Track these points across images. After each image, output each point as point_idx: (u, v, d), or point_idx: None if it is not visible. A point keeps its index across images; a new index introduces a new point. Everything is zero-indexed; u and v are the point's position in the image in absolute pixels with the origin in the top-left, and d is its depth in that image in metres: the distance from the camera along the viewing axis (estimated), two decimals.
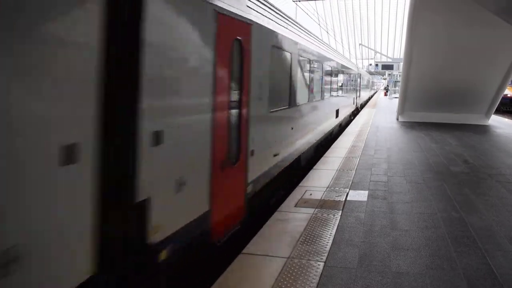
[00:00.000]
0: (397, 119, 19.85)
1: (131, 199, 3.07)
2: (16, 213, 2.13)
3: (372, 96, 53.43)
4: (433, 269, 4.14)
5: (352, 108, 21.78)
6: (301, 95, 8.44)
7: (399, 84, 23.58)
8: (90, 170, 2.60)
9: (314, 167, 8.92)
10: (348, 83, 19.29)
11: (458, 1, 13.39)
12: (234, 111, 4.87)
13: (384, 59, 62.48)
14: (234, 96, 4.87)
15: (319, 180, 7.77)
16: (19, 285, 2.13)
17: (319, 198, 6.58)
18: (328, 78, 12.18)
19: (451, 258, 4.42)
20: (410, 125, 17.53)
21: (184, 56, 3.75)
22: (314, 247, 4.64)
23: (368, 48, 75.75)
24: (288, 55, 7.26)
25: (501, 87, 17.91)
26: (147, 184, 3.18)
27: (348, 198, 6.58)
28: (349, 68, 19.40)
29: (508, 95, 30.16)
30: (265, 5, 6.04)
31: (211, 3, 4.14)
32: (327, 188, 7.21)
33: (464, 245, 4.79)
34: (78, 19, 2.46)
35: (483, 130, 16.61)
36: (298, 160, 8.70)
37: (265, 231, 5.10)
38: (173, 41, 3.53)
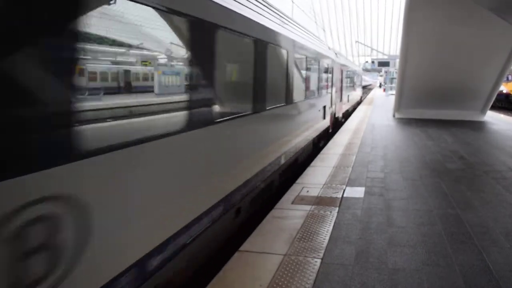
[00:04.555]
0: (394, 116, 19.90)
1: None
2: None
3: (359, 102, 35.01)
4: (429, 266, 4.16)
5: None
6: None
7: (395, 81, 23.61)
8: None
9: (311, 164, 8.93)
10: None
11: None
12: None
13: (380, 56, 62.50)
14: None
15: (316, 177, 7.78)
16: None
17: (316, 195, 6.59)
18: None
19: (447, 254, 4.44)
20: (407, 122, 17.58)
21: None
22: (311, 244, 4.65)
23: (365, 45, 75.72)
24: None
25: (497, 84, 17.97)
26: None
27: (344, 195, 6.60)
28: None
29: (504, 92, 30.29)
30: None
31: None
32: (324, 185, 7.22)
33: (460, 241, 4.81)
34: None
35: (479, 126, 16.68)
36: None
37: (262, 229, 5.10)
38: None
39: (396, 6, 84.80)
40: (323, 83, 12.10)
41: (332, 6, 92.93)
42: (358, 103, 33.18)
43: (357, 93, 32.33)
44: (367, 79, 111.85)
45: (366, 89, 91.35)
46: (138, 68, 3.30)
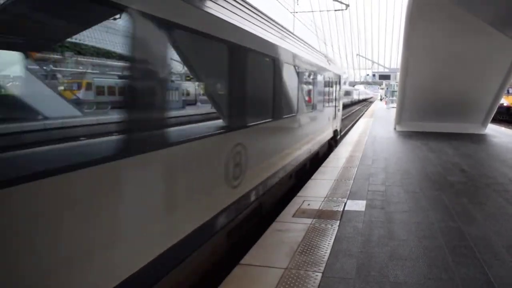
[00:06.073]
0: (395, 128, 19.93)
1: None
2: None
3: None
4: (431, 279, 4.14)
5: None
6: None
7: (396, 94, 23.66)
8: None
9: (312, 177, 8.92)
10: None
11: (453, 12, 13.55)
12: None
13: (381, 69, 62.83)
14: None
15: (317, 190, 7.77)
16: None
17: (317, 208, 6.58)
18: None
19: (449, 268, 4.42)
20: (408, 135, 17.59)
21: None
22: (312, 257, 4.63)
23: (365, 58, 76.15)
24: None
25: (497, 96, 18.02)
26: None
27: (346, 208, 6.58)
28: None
29: (505, 104, 30.35)
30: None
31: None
32: (325, 198, 7.21)
33: (462, 255, 4.79)
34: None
35: (480, 139, 16.67)
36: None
37: (263, 242, 5.09)
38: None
39: (396, 19, 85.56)
40: None
41: (333, 20, 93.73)
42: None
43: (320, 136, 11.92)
44: (368, 92, 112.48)
45: (367, 101, 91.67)
46: None
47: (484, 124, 19.12)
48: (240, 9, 5.27)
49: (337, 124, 15.79)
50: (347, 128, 25.96)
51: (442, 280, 4.12)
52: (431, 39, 15.62)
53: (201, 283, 4.52)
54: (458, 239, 5.28)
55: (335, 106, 14.98)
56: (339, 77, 16.16)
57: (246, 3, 5.63)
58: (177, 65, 4.02)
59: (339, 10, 34.49)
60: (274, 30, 6.98)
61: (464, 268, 4.41)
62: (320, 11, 56.91)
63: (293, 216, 6.16)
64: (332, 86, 13.82)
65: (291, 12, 38.49)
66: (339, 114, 16.92)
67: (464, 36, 15.01)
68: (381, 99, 68.31)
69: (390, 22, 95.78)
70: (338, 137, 16.66)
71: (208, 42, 4.27)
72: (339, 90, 16.36)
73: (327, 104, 12.69)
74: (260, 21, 6.14)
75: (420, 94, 18.03)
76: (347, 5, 30.15)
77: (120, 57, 3.20)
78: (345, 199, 7.11)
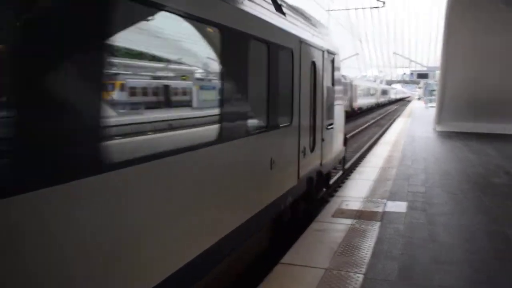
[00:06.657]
0: (434, 128, 19.42)
1: None
2: None
3: None
4: (476, 284, 4.03)
5: None
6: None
7: (436, 93, 23.06)
8: None
9: (350, 177, 8.85)
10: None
11: (494, 9, 13.10)
12: None
13: (419, 67, 61.30)
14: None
15: (355, 191, 7.71)
16: None
17: (356, 208, 6.53)
18: None
19: (495, 273, 4.29)
20: (448, 135, 17.12)
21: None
22: (353, 258, 4.61)
23: (403, 56, 74.40)
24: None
25: None
26: None
27: (386, 209, 6.50)
28: None
29: None
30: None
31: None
32: (364, 198, 7.14)
33: (507, 260, 4.64)
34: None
35: None
36: None
37: (303, 241, 5.11)
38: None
39: (435, 16, 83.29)
40: None
41: (369, 17, 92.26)
42: None
43: None
44: (405, 91, 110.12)
45: (404, 101, 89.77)
46: None
47: None
48: None
49: (323, 160, 7.24)
50: (384, 128, 25.52)
51: (487, 285, 4.01)
52: (472, 36, 15.15)
53: (241, 280, 4.59)
54: (501, 243, 5.12)
55: (314, 120, 6.67)
56: (329, 57, 7.74)
57: None
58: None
59: (375, 7, 33.92)
60: None
61: (510, 273, 4.28)
62: (355, 8, 55.91)
63: (332, 216, 6.14)
64: (305, 76, 6.08)
65: (326, 10, 38.17)
66: (336, 134, 8.32)
67: (505, 33, 14.48)
68: (419, 98, 66.92)
69: (429, 18, 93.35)
70: (330, 183, 8.86)
71: None
72: (330, 83, 7.83)
73: (279, 122, 5.11)
74: None
75: (461, 93, 17.51)
76: (384, 2, 29.62)
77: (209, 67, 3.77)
78: (385, 200, 7.02)
